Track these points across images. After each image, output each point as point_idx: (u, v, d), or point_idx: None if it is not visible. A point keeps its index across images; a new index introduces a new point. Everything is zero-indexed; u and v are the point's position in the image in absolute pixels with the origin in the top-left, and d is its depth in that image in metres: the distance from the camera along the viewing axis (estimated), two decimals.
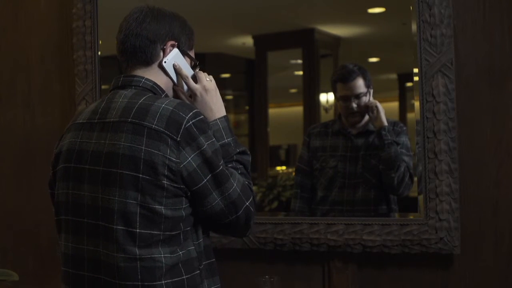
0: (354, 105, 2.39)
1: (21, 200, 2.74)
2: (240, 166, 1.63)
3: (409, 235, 2.15)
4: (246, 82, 2.93)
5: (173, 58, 1.65)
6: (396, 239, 2.17)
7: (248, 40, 2.77)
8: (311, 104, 2.68)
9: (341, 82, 2.42)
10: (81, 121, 1.62)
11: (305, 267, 2.34)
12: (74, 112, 2.58)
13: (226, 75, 2.91)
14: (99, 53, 2.52)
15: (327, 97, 2.62)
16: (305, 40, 2.66)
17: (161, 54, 1.64)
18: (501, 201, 2.13)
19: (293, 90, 2.88)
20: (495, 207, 2.13)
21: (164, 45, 1.64)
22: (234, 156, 1.63)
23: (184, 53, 1.68)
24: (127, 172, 1.48)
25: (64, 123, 2.65)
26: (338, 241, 2.23)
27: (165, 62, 1.64)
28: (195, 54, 1.75)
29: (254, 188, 1.65)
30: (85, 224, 1.54)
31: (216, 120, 1.65)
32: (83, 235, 1.55)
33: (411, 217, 2.19)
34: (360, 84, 2.38)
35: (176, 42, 1.66)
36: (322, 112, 2.61)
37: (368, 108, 2.37)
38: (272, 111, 2.76)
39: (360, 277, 2.27)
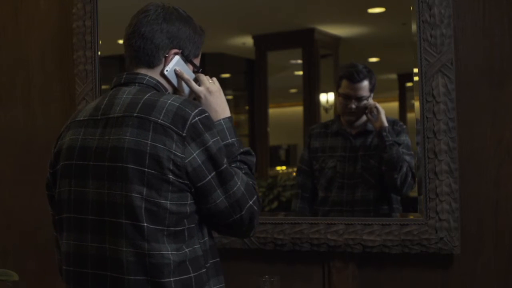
0: (353, 106, 2.39)
1: (21, 200, 2.73)
2: (244, 166, 1.63)
3: (409, 235, 2.15)
4: (246, 82, 2.93)
5: (175, 65, 1.65)
6: (396, 239, 2.17)
7: (248, 40, 2.77)
8: (311, 104, 2.67)
9: (347, 80, 2.41)
10: (82, 119, 1.62)
11: (305, 267, 2.34)
12: (74, 111, 2.57)
13: (226, 75, 2.90)
14: (99, 53, 2.52)
15: (327, 97, 2.62)
16: (305, 40, 2.65)
17: (163, 61, 1.64)
18: (501, 201, 2.13)
19: (293, 90, 2.88)
20: (495, 207, 2.13)
21: (167, 53, 1.64)
22: (238, 156, 1.64)
23: (187, 60, 1.68)
24: (132, 166, 1.47)
25: (64, 123, 2.65)
26: (338, 241, 2.23)
27: (166, 71, 1.64)
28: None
29: None
30: (89, 220, 1.54)
31: (220, 120, 1.65)
32: (87, 232, 1.54)
33: (411, 217, 2.19)
34: (365, 87, 2.37)
35: (180, 50, 1.65)
36: (322, 112, 2.61)
37: (367, 109, 2.37)
38: (272, 111, 2.75)
39: (360, 277, 2.27)
